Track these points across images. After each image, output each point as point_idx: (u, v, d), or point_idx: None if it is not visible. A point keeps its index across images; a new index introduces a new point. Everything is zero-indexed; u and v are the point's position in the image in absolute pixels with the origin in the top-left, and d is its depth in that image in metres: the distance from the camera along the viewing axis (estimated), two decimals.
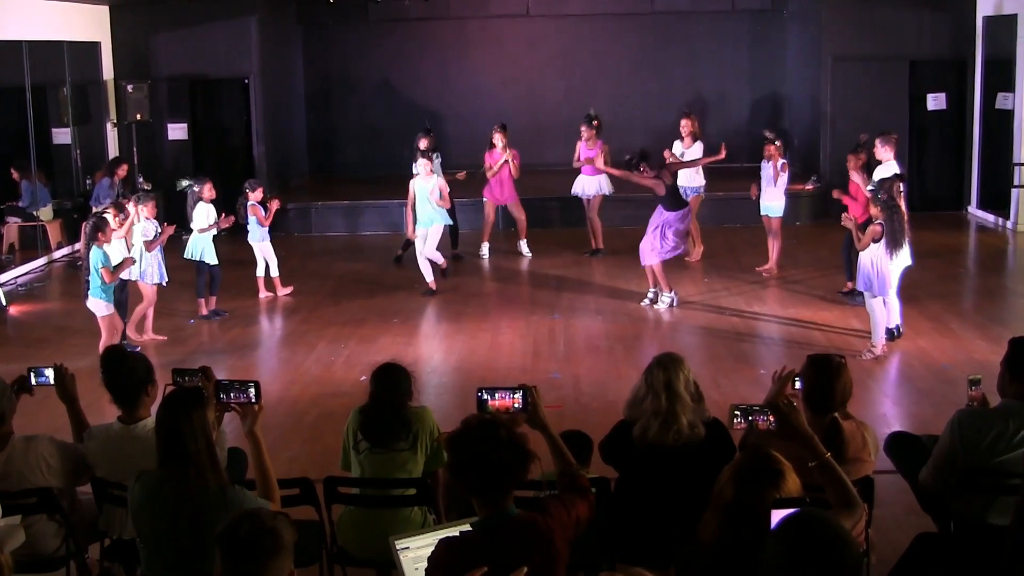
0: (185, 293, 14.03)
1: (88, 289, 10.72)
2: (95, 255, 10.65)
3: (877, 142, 12.50)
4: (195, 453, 4.83)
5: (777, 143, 14.19)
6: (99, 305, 10.73)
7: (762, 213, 14.40)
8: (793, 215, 17.08)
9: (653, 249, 12.68)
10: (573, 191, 16.26)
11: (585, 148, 15.77)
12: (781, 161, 14.11)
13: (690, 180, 15.11)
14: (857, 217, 11.41)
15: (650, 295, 13.07)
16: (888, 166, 12.26)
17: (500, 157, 15.71)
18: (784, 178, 14.10)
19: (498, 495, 4.07)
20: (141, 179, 17.87)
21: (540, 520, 4.12)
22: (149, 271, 11.97)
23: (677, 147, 15.21)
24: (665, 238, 12.62)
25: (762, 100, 21.85)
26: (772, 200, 14.21)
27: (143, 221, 11.99)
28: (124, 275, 11.18)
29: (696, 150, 15.08)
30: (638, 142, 15.12)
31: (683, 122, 15.29)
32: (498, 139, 15.73)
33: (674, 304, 12.87)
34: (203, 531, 4.57)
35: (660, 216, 12.68)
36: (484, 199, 16.22)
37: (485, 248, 16.31)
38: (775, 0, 21.43)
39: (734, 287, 13.81)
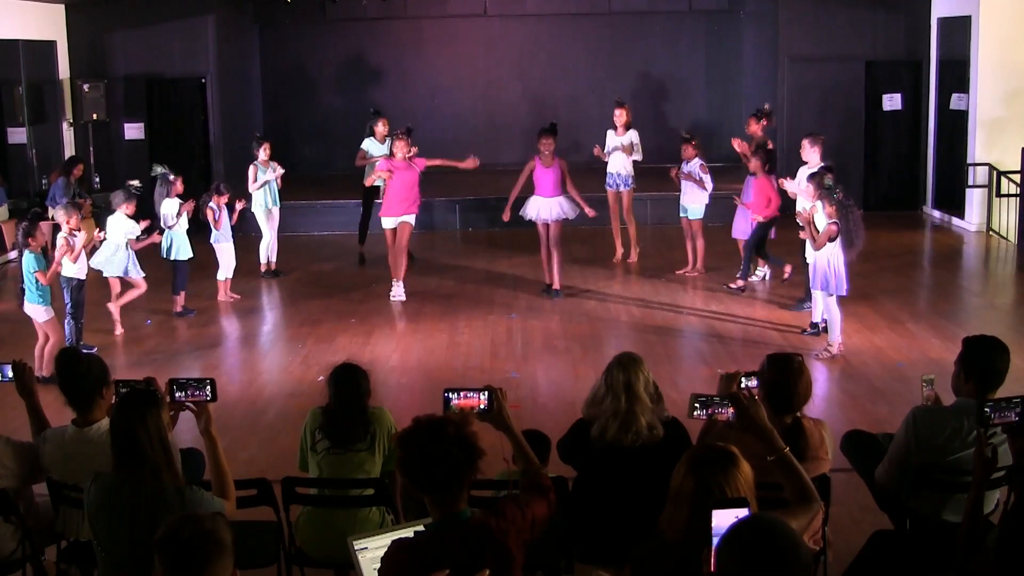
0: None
1: (24, 295, 10.60)
2: (27, 260, 10.52)
3: (805, 143, 12.33)
4: (150, 455, 4.81)
5: (694, 142, 14.15)
6: (38, 311, 10.59)
7: (681, 215, 14.35)
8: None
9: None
10: (526, 215, 13.43)
11: (540, 167, 13.20)
12: (699, 161, 14.05)
13: (621, 167, 14.90)
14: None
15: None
16: (813, 168, 12.08)
17: (398, 165, 13.28)
18: (708, 179, 14.02)
19: (448, 493, 4.05)
20: (97, 179, 17.78)
21: (493, 523, 4.11)
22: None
23: (611, 135, 15.02)
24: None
25: (718, 99, 21.94)
26: (692, 202, 14.15)
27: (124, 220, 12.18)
28: (72, 272, 11.04)
29: (631, 136, 14.85)
30: (594, 142, 15.11)
31: (616, 111, 14.97)
32: (398, 148, 13.33)
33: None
34: None
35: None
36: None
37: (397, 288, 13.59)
38: (732, 1, 21.53)
39: (691, 287, 13.87)
